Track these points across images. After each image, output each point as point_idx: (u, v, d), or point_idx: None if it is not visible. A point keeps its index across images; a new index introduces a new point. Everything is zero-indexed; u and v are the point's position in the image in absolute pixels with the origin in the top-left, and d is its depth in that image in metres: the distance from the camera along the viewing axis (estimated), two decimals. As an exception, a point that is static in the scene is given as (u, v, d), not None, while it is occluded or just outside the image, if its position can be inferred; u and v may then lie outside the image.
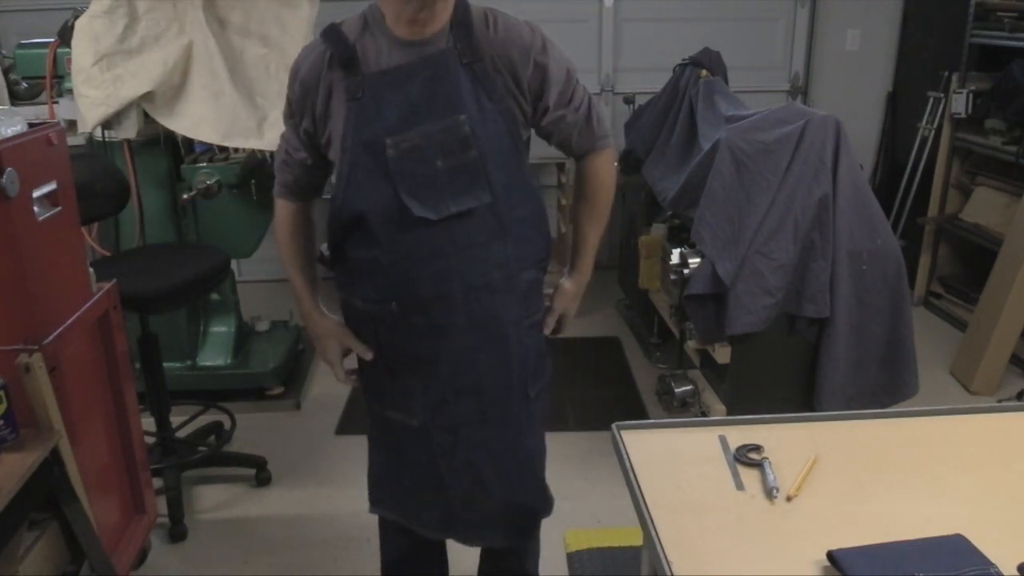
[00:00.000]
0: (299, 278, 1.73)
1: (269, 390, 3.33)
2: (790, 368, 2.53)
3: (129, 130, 2.88)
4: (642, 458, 1.38)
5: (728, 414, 2.61)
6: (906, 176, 4.41)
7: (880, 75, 4.67)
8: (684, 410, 2.86)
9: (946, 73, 4.00)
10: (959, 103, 3.81)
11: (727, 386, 2.66)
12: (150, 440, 2.68)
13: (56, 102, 2.97)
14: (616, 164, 3.87)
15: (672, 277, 2.81)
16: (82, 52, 2.77)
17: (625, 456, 1.38)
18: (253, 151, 3.03)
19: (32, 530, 1.77)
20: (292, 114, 1.58)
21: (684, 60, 3.42)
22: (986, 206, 3.80)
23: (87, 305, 2.02)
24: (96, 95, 2.78)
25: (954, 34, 3.90)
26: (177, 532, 2.53)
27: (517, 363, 1.63)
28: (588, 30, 4.52)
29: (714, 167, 2.51)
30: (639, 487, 1.30)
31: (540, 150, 1.76)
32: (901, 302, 2.46)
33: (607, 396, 3.40)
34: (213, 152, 3.14)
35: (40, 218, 1.82)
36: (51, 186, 1.88)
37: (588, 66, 4.55)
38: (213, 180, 3.02)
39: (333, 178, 1.56)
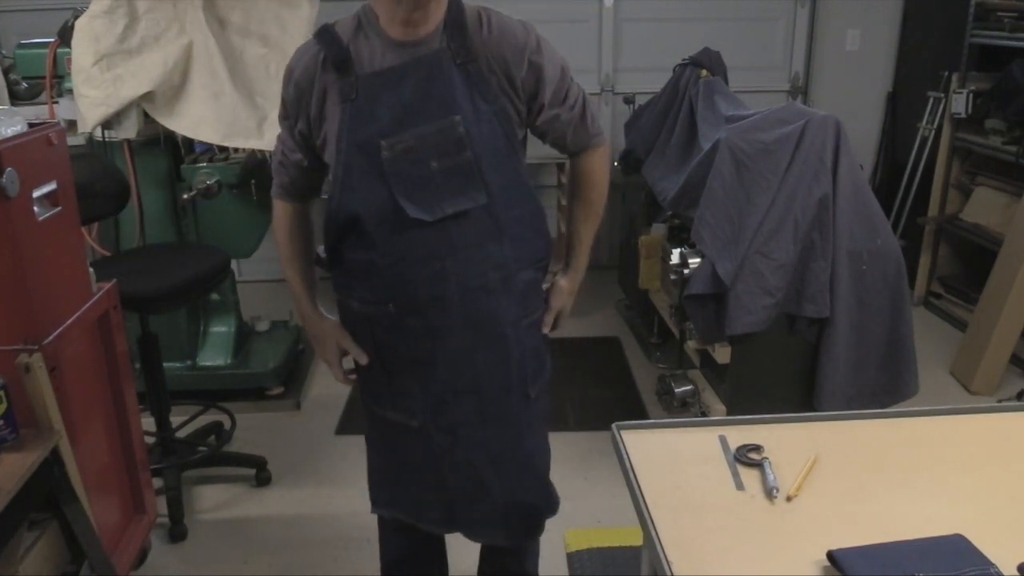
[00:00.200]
0: (298, 278, 1.73)
1: (269, 390, 3.33)
2: (790, 368, 2.53)
3: (129, 130, 2.88)
4: (642, 458, 1.38)
5: (728, 414, 2.60)
6: (906, 176, 4.41)
7: (880, 75, 4.67)
8: (684, 410, 2.86)
9: (946, 73, 4.00)
10: (959, 103, 3.81)
11: (727, 386, 2.66)
12: (150, 440, 2.68)
13: (56, 102, 2.97)
14: (616, 163, 3.92)
15: (672, 277, 2.81)
16: (82, 52, 2.77)
17: (625, 456, 1.38)
18: (253, 151, 3.03)
19: (32, 530, 1.77)
20: (287, 116, 1.58)
21: (684, 60, 3.42)
22: (986, 206, 3.80)
23: (87, 305, 2.02)
24: (96, 95, 2.78)
25: (954, 34, 3.90)
26: (177, 532, 2.53)
27: (515, 363, 1.63)
28: (588, 30, 4.52)
29: (714, 167, 2.51)
30: (639, 487, 1.30)
31: (540, 150, 1.77)
32: (901, 302, 2.46)
33: (607, 396, 3.40)
34: (213, 152, 3.14)
35: (40, 218, 1.82)
36: (51, 186, 1.88)
37: (588, 66, 4.55)
38: (213, 180, 3.02)
39: (329, 178, 1.56)
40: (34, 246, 1.79)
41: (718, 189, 2.49)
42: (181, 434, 2.92)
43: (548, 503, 1.80)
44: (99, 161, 2.74)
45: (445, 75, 1.47)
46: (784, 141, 2.41)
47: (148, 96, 2.83)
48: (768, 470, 1.33)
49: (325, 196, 1.59)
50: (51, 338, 1.81)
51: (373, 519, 1.95)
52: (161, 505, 2.53)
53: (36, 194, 1.81)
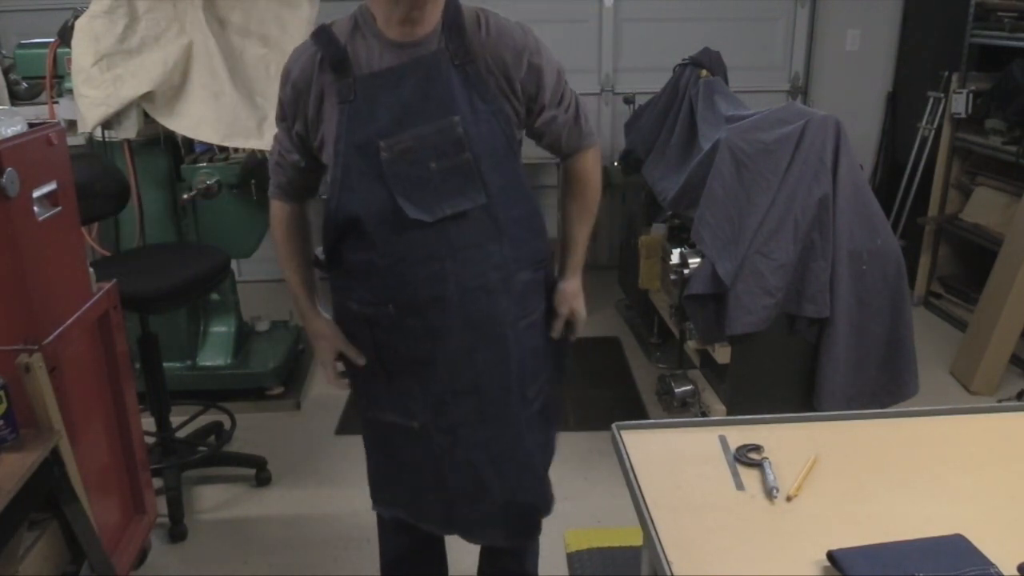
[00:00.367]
0: (296, 278, 1.73)
1: (269, 390, 3.33)
2: (790, 368, 2.53)
3: (129, 130, 2.88)
4: (642, 458, 1.38)
5: (728, 414, 2.61)
6: (906, 176, 4.41)
7: (880, 75, 4.67)
8: (684, 410, 2.86)
9: (946, 73, 4.00)
10: (959, 103, 3.81)
11: (727, 386, 2.66)
12: (150, 440, 2.68)
13: (56, 102, 2.96)
14: (616, 163, 3.92)
15: (672, 277, 2.81)
16: (82, 52, 2.77)
17: (625, 456, 1.38)
18: (253, 151, 3.03)
19: (32, 530, 1.77)
20: (284, 116, 1.58)
21: (684, 60, 3.42)
22: (986, 206, 3.80)
23: (87, 305, 2.02)
24: (96, 95, 2.78)
25: (954, 34, 3.90)
26: (177, 532, 2.53)
27: (515, 364, 1.62)
28: (588, 30, 4.52)
29: (714, 167, 2.51)
30: (639, 487, 1.30)
31: (540, 151, 1.76)
32: (901, 302, 2.46)
33: (607, 396, 3.40)
34: (213, 152, 3.14)
35: (40, 218, 1.82)
36: (51, 186, 1.88)
37: (588, 66, 4.55)
38: (213, 180, 3.02)
39: (328, 179, 1.56)
40: (34, 246, 1.79)
41: (718, 189, 2.49)
42: (181, 434, 2.92)
43: (545, 502, 1.81)
44: (99, 161, 2.74)
45: (444, 76, 1.47)
46: (784, 141, 2.41)
47: (148, 96, 2.83)
48: (768, 470, 1.33)
49: (324, 196, 1.59)
50: (51, 338, 1.81)
51: (373, 519, 1.95)
52: (161, 505, 2.53)
53: (36, 194, 1.81)
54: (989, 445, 1.42)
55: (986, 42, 3.72)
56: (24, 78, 3.02)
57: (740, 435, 1.44)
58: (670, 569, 1.11)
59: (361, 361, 1.67)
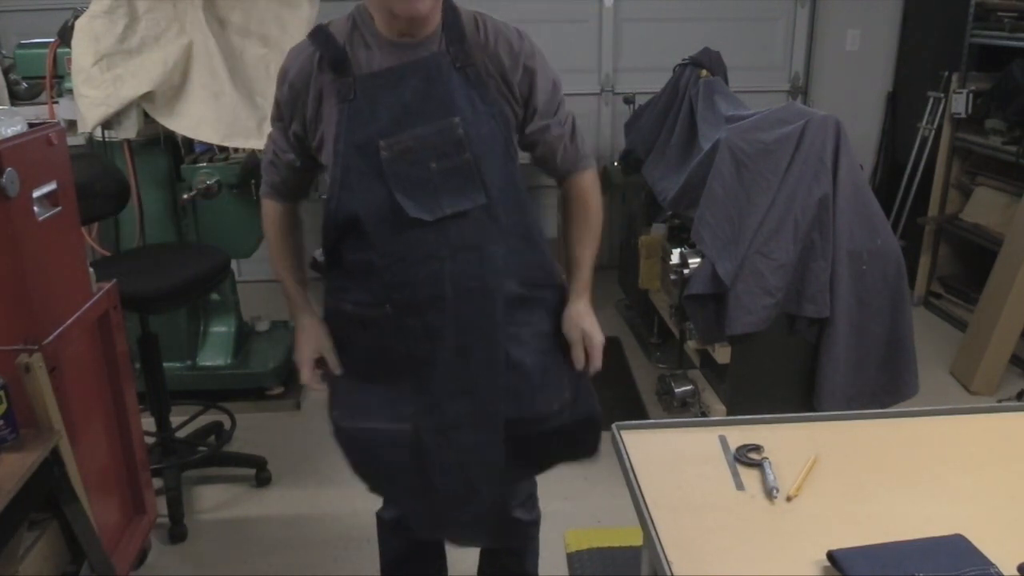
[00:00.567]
0: (289, 276, 1.73)
1: (269, 390, 3.33)
2: (790, 368, 2.53)
3: (129, 130, 2.88)
4: (642, 458, 1.38)
5: (728, 414, 2.61)
6: (906, 176, 4.41)
7: (880, 75, 4.67)
8: (684, 410, 2.86)
9: (946, 73, 4.00)
10: (959, 103, 3.81)
11: (727, 386, 2.66)
12: (150, 440, 2.68)
13: (56, 102, 2.97)
14: (616, 163, 3.91)
15: (672, 277, 2.81)
16: (82, 52, 2.77)
17: (625, 456, 1.38)
18: (253, 151, 3.03)
19: (32, 530, 1.77)
20: (280, 116, 1.58)
21: (684, 60, 3.42)
22: (986, 206, 3.80)
23: (87, 305, 2.02)
24: (96, 95, 2.78)
25: (954, 34, 3.89)
26: (177, 532, 2.53)
27: (506, 367, 1.62)
28: (588, 30, 4.52)
29: (714, 167, 2.51)
30: (639, 487, 1.30)
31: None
32: (901, 302, 2.46)
33: (607, 396, 3.39)
34: (213, 152, 3.14)
35: (40, 218, 1.82)
36: (51, 186, 1.88)
37: (588, 66, 4.55)
38: (213, 180, 3.02)
39: (327, 179, 1.56)
40: (34, 246, 1.79)
41: (718, 189, 2.49)
42: (181, 434, 2.92)
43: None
44: (99, 161, 2.74)
45: (445, 77, 1.48)
46: (784, 141, 2.41)
47: (148, 96, 2.83)
48: (768, 470, 1.33)
49: (324, 196, 1.59)
50: (51, 338, 1.81)
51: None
52: (161, 505, 2.53)
53: (36, 194, 1.81)
54: (989, 445, 1.43)
55: (986, 42, 3.72)
56: (24, 78, 3.02)
57: (740, 435, 1.45)
58: (670, 569, 1.12)
59: (338, 371, 1.66)
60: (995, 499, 1.28)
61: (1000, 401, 3.24)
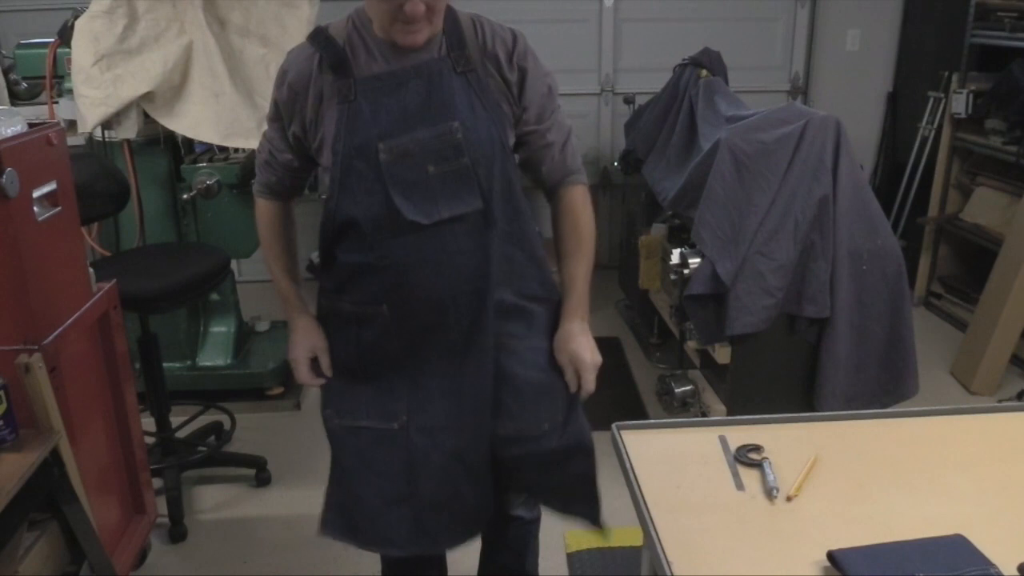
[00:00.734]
0: (283, 275, 1.73)
1: (269, 390, 3.33)
2: (790, 368, 2.53)
3: (129, 130, 2.89)
4: (642, 458, 1.38)
5: (728, 414, 2.61)
6: (906, 176, 4.41)
7: (880, 75, 4.67)
8: (684, 410, 2.86)
9: (946, 73, 4.00)
10: (959, 103, 3.81)
11: (727, 386, 2.66)
12: (150, 440, 2.68)
13: (56, 102, 2.97)
14: (616, 163, 3.91)
15: (672, 277, 2.81)
16: (82, 52, 2.77)
17: (625, 456, 1.38)
18: (253, 151, 3.03)
19: (32, 530, 1.77)
20: (278, 117, 1.58)
21: (684, 60, 3.42)
22: (986, 206, 3.80)
23: (87, 305, 2.02)
24: (96, 95, 2.78)
25: (954, 34, 3.90)
26: (177, 532, 2.53)
27: (499, 376, 1.61)
28: (588, 30, 4.52)
29: (714, 167, 2.51)
30: (639, 487, 1.30)
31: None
32: (901, 302, 2.46)
33: (607, 396, 3.38)
34: (213, 152, 3.14)
35: (40, 218, 1.82)
36: (51, 186, 1.88)
37: (588, 66, 4.55)
38: (213, 180, 3.02)
39: (326, 180, 1.56)
40: (34, 246, 1.79)
41: (718, 189, 2.49)
42: (181, 434, 2.92)
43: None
44: (99, 161, 2.74)
45: (446, 82, 1.48)
46: (784, 141, 2.41)
47: (148, 96, 2.83)
48: (768, 470, 1.33)
49: (323, 197, 1.58)
50: (51, 338, 1.81)
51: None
52: (161, 505, 2.53)
53: (36, 194, 1.81)
54: (989, 445, 1.43)
55: (986, 42, 3.72)
56: (24, 78, 3.03)
57: (740, 435, 1.45)
58: (670, 569, 1.12)
59: (329, 374, 1.66)
60: (995, 499, 1.28)
61: (1000, 401, 3.24)
